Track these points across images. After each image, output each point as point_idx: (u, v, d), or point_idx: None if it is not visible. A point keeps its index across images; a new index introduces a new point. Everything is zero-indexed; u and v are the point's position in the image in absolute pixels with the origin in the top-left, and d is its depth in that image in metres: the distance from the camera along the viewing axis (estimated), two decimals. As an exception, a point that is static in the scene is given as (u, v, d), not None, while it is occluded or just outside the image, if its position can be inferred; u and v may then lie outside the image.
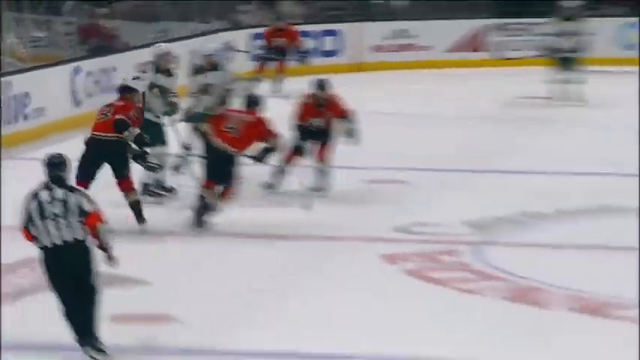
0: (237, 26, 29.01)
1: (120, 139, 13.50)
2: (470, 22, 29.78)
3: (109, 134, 13.54)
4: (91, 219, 8.63)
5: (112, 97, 18.47)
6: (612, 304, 10.87)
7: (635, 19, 30.60)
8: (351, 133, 15.10)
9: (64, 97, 20.64)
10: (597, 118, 23.42)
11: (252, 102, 14.41)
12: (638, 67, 28.50)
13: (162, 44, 19.32)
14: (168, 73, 17.26)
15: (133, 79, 16.12)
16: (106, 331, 9.54)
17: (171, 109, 16.96)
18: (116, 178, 13.57)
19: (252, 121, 13.85)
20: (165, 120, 16.87)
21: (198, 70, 18.06)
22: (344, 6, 31.68)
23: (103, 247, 8.69)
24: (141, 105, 14.90)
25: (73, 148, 15.88)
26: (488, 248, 13.24)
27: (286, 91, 23.71)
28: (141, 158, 13.74)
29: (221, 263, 13.36)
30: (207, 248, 13.95)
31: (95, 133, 13.68)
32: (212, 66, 18.25)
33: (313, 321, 10.65)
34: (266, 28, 26.82)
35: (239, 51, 25.17)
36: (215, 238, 14.53)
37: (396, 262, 12.46)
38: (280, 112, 17.10)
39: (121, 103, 14.01)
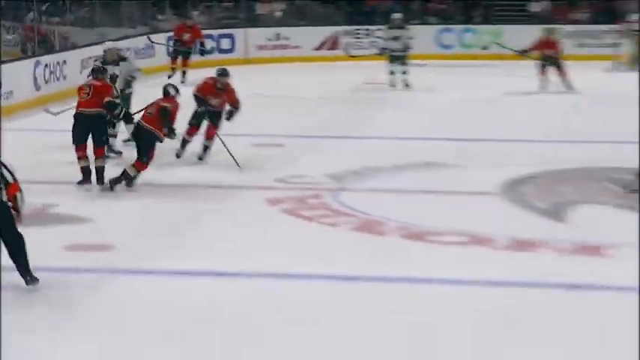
0: (156, 30, 29.55)
1: (100, 114, 13.94)
2: (328, 28, 31.48)
3: (92, 109, 13.88)
4: (12, 188, 9.33)
5: (64, 84, 22.74)
6: (432, 232, 11.63)
7: (448, 26, 33.00)
8: (231, 117, 15.57)
9: (27, 83, 21.70)
10: (420, 98, 24.27)
11: (167, 91, 14.55)
12: (452, 61, 31.10)
13: (109, 42, 21.00)
14: (115, 63, 17.84)
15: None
16: (61, 257, 10.79)
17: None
18: (94, 143, 13.87)
19: (170, 106, 14.01)
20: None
21: (109, 62, 17.76)
22: (236, 16, 33.26)
23: (17, 209, 9.39)
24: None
25: (35, 121, 19.12)
26: (343, 193, 13.77)
27: (190, 80, 23.46)
28: (126, 118, 14.47)
29: (146, 207, 13.88)
30: (136, 196, 14.36)
31: (81, 109, 14.05)
32: (120, 58, 18.68)
33: (217, 247, 11.25)
34: (177, 25, 27.74)
35: (158, 43, 26.62)
36: (141, 190, 14.71)
37: (276, 204, 13.14)
38: (186, 98, 16.85)
39: (99, 83, 14.21)
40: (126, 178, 13.87)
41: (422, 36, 29.62)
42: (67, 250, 11.09)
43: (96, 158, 13.89)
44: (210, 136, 15.71)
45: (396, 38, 24.80)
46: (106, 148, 14.56)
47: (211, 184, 15.13)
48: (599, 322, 8.91)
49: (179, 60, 25.64)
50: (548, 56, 23.13)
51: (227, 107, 15.96)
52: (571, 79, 23.84)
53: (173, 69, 25.50)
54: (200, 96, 15.85)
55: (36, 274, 9.60)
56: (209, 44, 28.93)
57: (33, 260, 9.75)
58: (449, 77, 26.91)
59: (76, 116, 14.01)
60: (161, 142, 14.17)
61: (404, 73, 24.50)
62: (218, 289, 10.25)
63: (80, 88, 14.91)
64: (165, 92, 14.54)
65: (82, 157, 14.07)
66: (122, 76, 17.68)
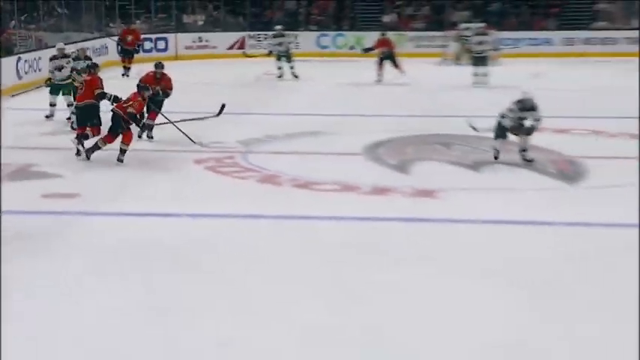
0: (108, 34, 28.86)
1: (94, 104, 13.72)
2: (237, 33, 31.56)
3: (83, 102, 13.74)
4: None
5: (39, 74, 21.48)
6: (315, 182, 11.80)
7: (325, 32, 33.28)
8: (167, 96, 14.97)
9: (12, 73, 21.19)
10: (305, 85, 24.20)
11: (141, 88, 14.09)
12: (327, 58, 31.40)
13: (79, 43, 23.05)
14: (87, 58, 18.20)
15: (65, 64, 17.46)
16: (39, 203, 10.84)
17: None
18: (90, 126, 13.63)
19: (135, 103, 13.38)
20: None
21: (81, 58, 17.80)
22: (169, 24, 32.87)
23: None
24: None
25: (17, 102, 18.90)
26: (250, 155, 14.01)
27: (134, 72, 23.13)
28: (116, 100, 13.72)
29: (107, 167, 13.34)
30: (99, 159, 13.53)
31: (78, 103, 14.02)
32: (86, 57, 18.48)
33: (159, 196, 11.52)
34: (122, 28, 28.06)
35: (115, 41, 26.80)
36: (105, 155, 13.61)
37: (201, 163, 13.24)
38: (132, 87, 15.97)
39: (89, 78, 14.06)
40: (95, 149, 13.58)
41: (306, 39, 31.30)
42: (44, 198, 11.17)
43: (94, 136, 13.83)
44: (152, 117, 15.16)
45: (279, 43, 25.34)
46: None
47: (156, 150, 15.08)
48: (433, 244, 9.32)
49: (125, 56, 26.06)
50: (385, 53, 23.35)
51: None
52: (403, 70, 23.40)
53: (124, 67, 25.56)
54: (143, 85, 15.54)
55: (20, 217, 10.05)
56: (148, 45, 30.14)
57: (18, 206, 10.16)
58: (325, 70, 27.18)
59: (77, 107, 14.16)
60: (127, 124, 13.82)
61: (291, 67, 24.78)
62: (159, 226, 10.40)
63: (77, 87, 15.55)
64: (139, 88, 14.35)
65: (80, 135, 14.09)
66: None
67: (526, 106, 12.42)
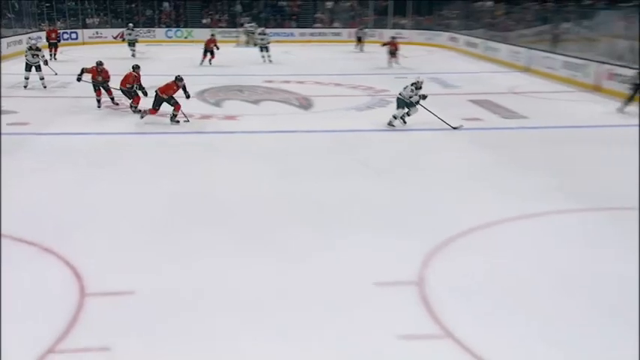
0: (41, 30, 32.29)
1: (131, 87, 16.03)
2: (119, 29, 36.01)
3: (128, 86, 16.09)
4: None
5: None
6: (166, 112, 15.29)
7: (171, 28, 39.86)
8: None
9: None
10: (159, 59, 29.86)
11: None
12: (173, 44, 37.23)
13: (24, 35, 30.16)
14: (35, 48, 20.79)
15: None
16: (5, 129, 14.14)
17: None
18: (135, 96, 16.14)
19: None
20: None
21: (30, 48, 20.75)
22: (77, 23, 36.97)
23: None
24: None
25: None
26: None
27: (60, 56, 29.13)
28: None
29: (50, 103, 17.79)
30: (47, 99, 18.45)
31: (122, 87, 16.19)
32: (37, 48, 20.90)
33: (89, 124, 15.36)
34: (47, 30, 31.63)
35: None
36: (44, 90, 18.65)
37: (107, 106, 16.87)
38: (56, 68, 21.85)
39: (133, 73, 16.26)
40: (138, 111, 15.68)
41: (159, 33, 38.60)
42: (8, 125, 14.57)
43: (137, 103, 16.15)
44: (100, 95, 16.85)
45: (130, 34, 31.41)
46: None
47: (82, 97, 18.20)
48: (237, 143, 14.10)
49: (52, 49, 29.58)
50: (209, 45, 28.03)
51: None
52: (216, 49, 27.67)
53: (51, 53, 28.51)
54: (92, 79, 16.76)
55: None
56: (65, 36, 34.21)
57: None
58: (170, 50, 33.55)
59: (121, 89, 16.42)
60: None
61: (133, 52, 30.75)
62: (87, 141, 14.14)
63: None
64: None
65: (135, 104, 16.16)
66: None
67: (417, 86, 14.82)
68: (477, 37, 32.20)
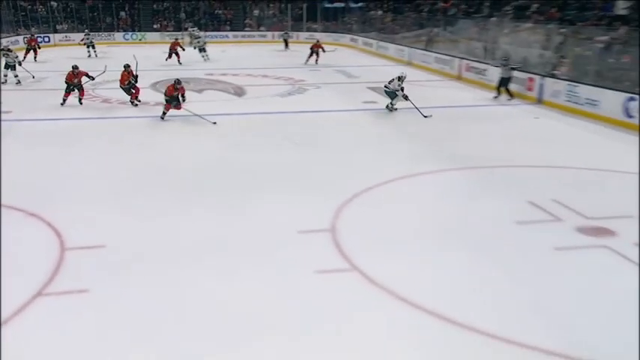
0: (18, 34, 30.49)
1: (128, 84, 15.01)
2: (82, 33, 32.27)
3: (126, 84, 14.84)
4: None
5: None
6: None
7: (127, 32, 36.51)
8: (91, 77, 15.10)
9: None
10: (120, 58, 25.29)
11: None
12: (134, 45, 34.62)
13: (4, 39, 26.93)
14: (8, 50, 19.90)
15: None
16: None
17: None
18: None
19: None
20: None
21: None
22: (49, 29, 34.47)
23: None
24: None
25: None
26: (99, 89, 17.22)
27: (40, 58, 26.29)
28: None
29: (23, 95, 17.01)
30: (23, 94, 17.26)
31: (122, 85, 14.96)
32: (8, 49, 20.06)
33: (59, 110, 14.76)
34: (28, 38, 27.74)
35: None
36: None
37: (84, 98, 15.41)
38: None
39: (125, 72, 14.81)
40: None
41: (118, 36, 36.16)
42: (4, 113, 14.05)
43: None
44: (82, 96, 15.35)
45: (87, 37, 29.01)
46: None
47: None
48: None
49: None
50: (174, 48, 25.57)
51: (84, 79, 15.04)
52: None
53: (34, 57, 25.76)
54: (67, 81, 15.05)
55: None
56: (40, 40, 30.66)
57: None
58: (129, 51, 28.74)
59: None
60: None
61: (94, 51, 28.56)
62: (59, 125, 13.73)
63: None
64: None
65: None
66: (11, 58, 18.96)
67: (401, 78, 14.37)
68: (371, 38, 32.22)
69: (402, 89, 14.44)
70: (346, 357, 4.98)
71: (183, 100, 14.41)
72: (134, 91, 15.31)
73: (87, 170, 9.92)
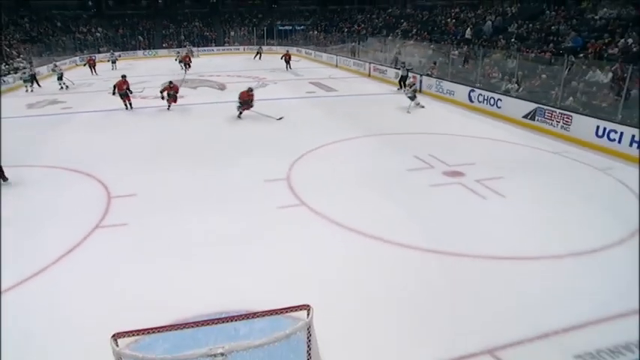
0: None
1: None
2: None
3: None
4: None
5: None
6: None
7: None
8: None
9: None
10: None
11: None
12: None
13: None
14: None
15: None
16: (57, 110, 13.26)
17: None
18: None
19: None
20: None
21: None
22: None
23: None
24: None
25: None
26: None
27: None
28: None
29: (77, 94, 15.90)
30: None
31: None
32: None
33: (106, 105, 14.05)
34: (87, 58, 23.47)
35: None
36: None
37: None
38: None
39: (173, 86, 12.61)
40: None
41: (138, 53, 31.80)
42: (62, 109, 13.71)
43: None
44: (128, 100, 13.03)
45: (112, 56, 24.56)
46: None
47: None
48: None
49: None
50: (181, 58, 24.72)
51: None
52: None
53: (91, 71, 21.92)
54: (119, 90, 12.78)
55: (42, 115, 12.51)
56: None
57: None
58: (147, 62, 27.44)
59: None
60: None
61: (114, 65, 23.70)
62: (103, 114, 12.96)
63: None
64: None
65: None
66: None
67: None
68: (310, 49, 31.02)
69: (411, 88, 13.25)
70: (299, 251, 5.22)
71: (251, 105, 11.98)
72: (129, 96, 13.00)
73: (122, 145, 9.66)
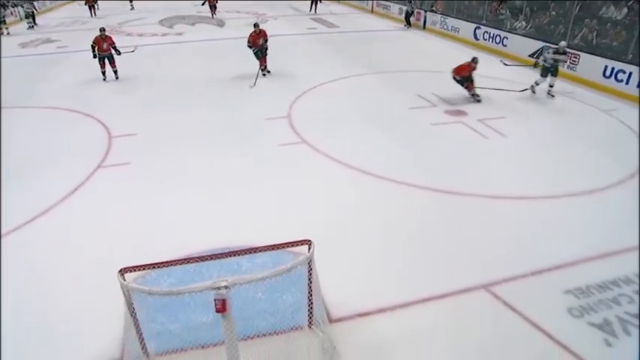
0: None
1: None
2: None
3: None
4: None
5: None
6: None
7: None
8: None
9: None
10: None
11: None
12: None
13: None
14: None
15: None
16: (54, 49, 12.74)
17: None
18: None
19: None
20: None
21: None
22: None
23: None
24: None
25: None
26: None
27: None
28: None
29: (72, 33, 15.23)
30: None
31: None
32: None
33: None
34: None
35: None
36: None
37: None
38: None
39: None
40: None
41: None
42: (58, 48, 13.16)
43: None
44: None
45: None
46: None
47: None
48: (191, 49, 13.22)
49: None
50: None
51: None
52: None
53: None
54: (98, 49, 9.13)
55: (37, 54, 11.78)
56: None
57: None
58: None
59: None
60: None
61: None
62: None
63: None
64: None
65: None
66: None
67: (559, 50, 8.10)
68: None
69: (557, 61, 8.24)
70: (300, 188, 5.24)
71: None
72: (114, 60, 9.53)
73: (121, 85, 9.32)
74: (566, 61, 8.50)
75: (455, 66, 8.13)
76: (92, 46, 9.38)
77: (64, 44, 13.37)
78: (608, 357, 3.16)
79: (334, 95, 8.51)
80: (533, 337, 3.30)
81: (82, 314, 3.49)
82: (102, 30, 9.48)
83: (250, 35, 9.47)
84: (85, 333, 3.33)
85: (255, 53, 9.53)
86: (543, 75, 8.27)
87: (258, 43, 9.44)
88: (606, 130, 7.03)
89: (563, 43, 8.28)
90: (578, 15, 10.12)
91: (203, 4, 18.19)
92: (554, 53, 8.16)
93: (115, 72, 9.68)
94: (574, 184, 5.34)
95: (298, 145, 6.37)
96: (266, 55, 9.57)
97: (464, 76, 8.00)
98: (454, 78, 8.11)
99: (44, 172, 5.76)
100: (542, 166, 5.83)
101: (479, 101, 8.03)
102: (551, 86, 8.37)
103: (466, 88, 8.08)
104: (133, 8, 20.17)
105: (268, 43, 9.40)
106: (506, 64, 8.54)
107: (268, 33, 9.64)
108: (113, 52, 9.38)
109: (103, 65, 9.53)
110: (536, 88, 8.46)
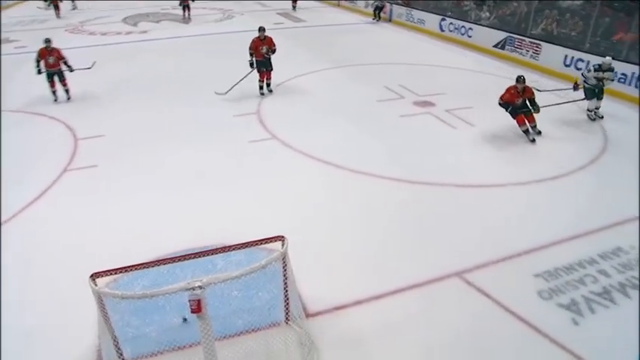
0: None
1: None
2: None
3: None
4: None
5: None
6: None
7: None
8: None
9: None
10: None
11: None
12: None
13: None
14: None
15: None
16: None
17: None
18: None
19: None
20: None
21: None
22: None
23: None
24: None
25: None
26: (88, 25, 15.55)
27: None
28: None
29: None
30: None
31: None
32: None
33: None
34: None
35: None
36: None
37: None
38: None
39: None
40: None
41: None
42: (16, 48, 12.55)
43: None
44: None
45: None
46: None
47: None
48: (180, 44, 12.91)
49: None
50: None
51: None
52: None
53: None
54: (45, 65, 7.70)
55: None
56: None
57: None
58: None
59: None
60: None
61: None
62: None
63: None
64: None
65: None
66: None
67: (603, 67, 6.82)
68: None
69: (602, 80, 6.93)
70: (271, 183, 5.18)
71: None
72: (64, 77, 8.06)
73: (86, 85, 8.75)
74: (612, 80, 6.96)
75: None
76: (37, 60, 7.87)
77: (22, 44, 12.72)
78: (575, 336, 3.27)
79: (303, 90, 8.45)
80: (506, 320, 3.38)
81: (55, 321, 3.39)
82: (47, 41, 7.87)
83: (253, 41, 8.09)
84: (59, 341, 3.23)
85: (256, 64, 8.00)
86: (588, 97, 6.97)
87: (261, 52, 7.96)
88: (569, 117, 7.21)
89: (608, 59, 6.81)
90: (538, 7, 10.36)
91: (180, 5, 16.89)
92: (596, 71, 6.81)
93: (67, 91, 8.14)
94: (539, 171, 5.47)
95: (269, 141, 6.32)
96: (271, 68, 8.05)
97: (508, 101, 6.26)
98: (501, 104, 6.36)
99: (8, 177, 5.52)
100: (508, 154, 5.95)
101: (533, 140, 6.25)
102: (597, 108, 7.06)
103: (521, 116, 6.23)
104: (74, 8, 18.69)
105: (273, 55, 7.98)
106: (539, 91, 6.85)
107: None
108: (63, 67, 7.92)
109: (52, 84, 8.00)
110: (590, 113, 7.05)
